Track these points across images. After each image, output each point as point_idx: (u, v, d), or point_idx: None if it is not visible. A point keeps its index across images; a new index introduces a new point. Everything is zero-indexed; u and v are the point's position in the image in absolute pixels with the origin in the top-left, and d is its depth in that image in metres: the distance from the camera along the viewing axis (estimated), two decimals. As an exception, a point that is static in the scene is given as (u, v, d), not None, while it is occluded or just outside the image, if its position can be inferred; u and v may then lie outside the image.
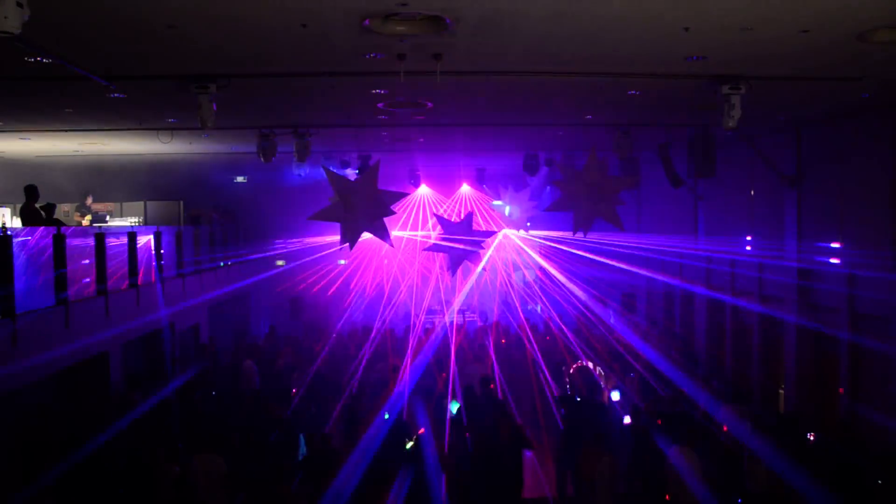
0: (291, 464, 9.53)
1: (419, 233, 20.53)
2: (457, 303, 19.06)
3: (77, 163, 16.42)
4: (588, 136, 13.08)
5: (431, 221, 19.50)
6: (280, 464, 8.99)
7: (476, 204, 20.91)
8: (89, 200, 15.39)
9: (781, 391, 13.01)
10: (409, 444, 9.57)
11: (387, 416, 10.26)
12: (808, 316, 11.89)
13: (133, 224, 16.56)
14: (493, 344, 15.75)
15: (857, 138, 10.99)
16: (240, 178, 20.49)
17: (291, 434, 10.37)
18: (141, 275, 12.21)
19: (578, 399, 11.77)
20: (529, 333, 15.77)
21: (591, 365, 13.46)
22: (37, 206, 11.43)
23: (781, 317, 12.59)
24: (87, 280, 10.63)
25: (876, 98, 9.49)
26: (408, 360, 13.92)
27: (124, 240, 11.89)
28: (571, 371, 13.41)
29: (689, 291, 16.33)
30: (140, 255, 12.26)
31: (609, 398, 12.00)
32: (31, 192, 11.13)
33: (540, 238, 20.43)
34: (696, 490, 7.99)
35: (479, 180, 19.22)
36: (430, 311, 21.13)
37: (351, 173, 16.11)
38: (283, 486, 8.28)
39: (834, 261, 11.35)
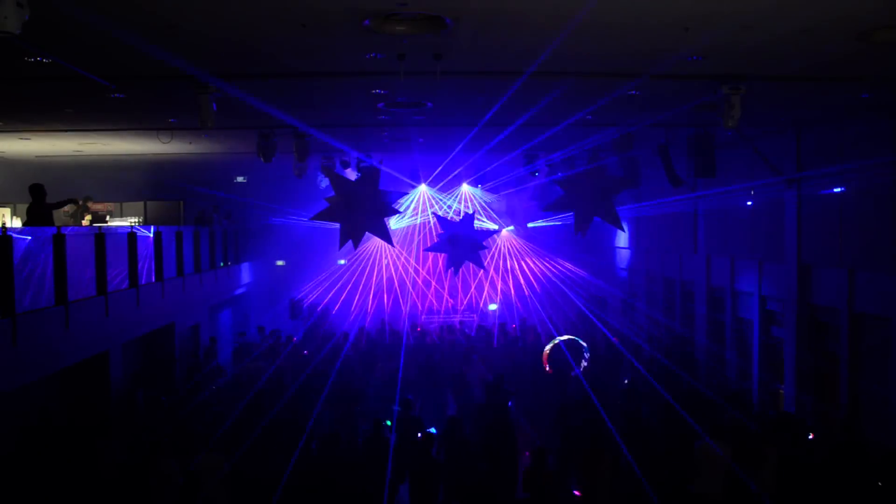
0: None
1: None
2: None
3: (77, 163, 16.39)
4: (588, 136, 13.06)
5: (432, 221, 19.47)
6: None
7: (476, 204, 20.87)
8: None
9: (781, 391, 12.99)
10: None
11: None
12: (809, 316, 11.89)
13: (133, 224, 16.54)
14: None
15: (857, 138, 10.97)
16: (240, 178, 20.44)
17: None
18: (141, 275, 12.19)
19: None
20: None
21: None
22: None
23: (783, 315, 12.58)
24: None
25: (876, 98, 9.48)
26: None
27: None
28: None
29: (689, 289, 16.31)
30: (140, 254, 12.24)
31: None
32: (38, 191, 10.51)
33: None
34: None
35: (479, 180, 19.20)
36: (430, 312, 21.13)
37: (351, 174, 16.08)
38: None
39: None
